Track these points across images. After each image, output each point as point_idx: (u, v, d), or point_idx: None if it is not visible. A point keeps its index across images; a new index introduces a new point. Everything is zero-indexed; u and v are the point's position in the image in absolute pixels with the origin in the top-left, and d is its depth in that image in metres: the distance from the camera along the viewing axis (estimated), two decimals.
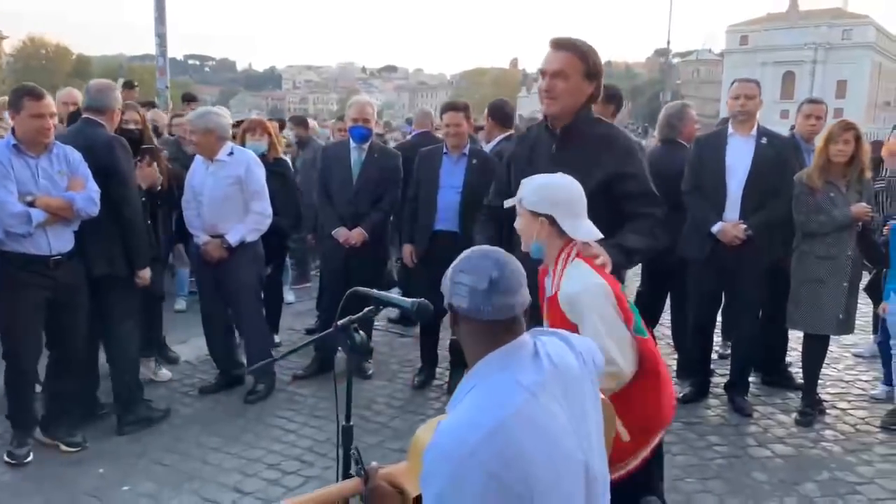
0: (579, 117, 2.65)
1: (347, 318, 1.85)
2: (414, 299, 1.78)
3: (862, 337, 5.32)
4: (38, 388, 3.69)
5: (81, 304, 3.57)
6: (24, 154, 3.35)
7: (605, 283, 2.15)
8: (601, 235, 2.27)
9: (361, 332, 1.87)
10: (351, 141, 4.60)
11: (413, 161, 4.60)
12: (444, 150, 4.39)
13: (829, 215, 3.95)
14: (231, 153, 4.22)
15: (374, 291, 1.85)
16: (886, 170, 4.63)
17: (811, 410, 4.13)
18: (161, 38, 9.06)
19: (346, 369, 1.95)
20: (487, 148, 4.83)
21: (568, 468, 1.43)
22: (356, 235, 4.48)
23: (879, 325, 4.54)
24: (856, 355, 5.08)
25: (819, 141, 4.14)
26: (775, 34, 66.96)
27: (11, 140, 3.34)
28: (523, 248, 2.30)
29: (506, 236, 3.07)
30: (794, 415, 4.15)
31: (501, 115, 4.99)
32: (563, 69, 2.59)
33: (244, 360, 4.54)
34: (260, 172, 4.26)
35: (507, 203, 2.37)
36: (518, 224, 2.31)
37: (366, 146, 4.57)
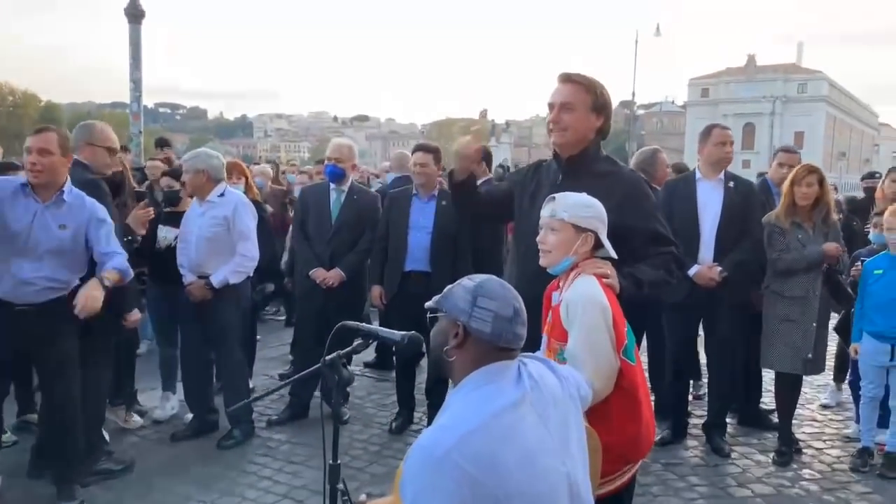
0: (588, 151, 2.65)
1: (336, 352, 1.85)
2: (404, 332, 1.78)
3: (828, 379, 5.38)
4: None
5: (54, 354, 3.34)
6: (31, 196, 3.20)
7: (606, 303, 2.16)
8: (616, 256, 2.31)
9: (349, 367, 1.86)
10: (330, 182, 4.64)
11: None
12: (414, 192, 4.45)
13: (800, 252, 4.06)
14: (222, 194, 4.23)
15: (363, 325, 1.85)
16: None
17: (787, 450, 4.16)
18: (136, 83, 9.07)
19: (333, 405, 1.92)
20: None
21: (546, 478, 1.49)
22: (334, 276, 4.48)
23: (850, 365, 4.63)
24: (823, 406, 5.14)
25: (785, 184, 4.27)
26: (735, 87, 69.48)
27: (22, 179, 3.26)
28: (547, 262, 2.29)
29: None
30: (773, 455, 4.18)
31: (485, 158, 5.09)
32: (571, 101, 2.60)
33: (229, 404, 4.40)
34: (247, 214, 4.26)
35: (542, 213, 2.32)
36: (552, 238, 2.27)
37: (345, 187, 4.60)
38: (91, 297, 3.08)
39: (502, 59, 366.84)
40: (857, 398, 4.48)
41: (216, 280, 4.12)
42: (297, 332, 5.23)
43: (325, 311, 4.54)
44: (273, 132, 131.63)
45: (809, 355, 4.09)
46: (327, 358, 1.83)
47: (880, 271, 4.04)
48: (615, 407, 2.20)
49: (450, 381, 1.69)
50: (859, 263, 4.22)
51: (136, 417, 4.50)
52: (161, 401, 4.74)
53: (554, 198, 2.32)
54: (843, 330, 4.68)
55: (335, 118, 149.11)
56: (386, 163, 10.24)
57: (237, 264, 4.19)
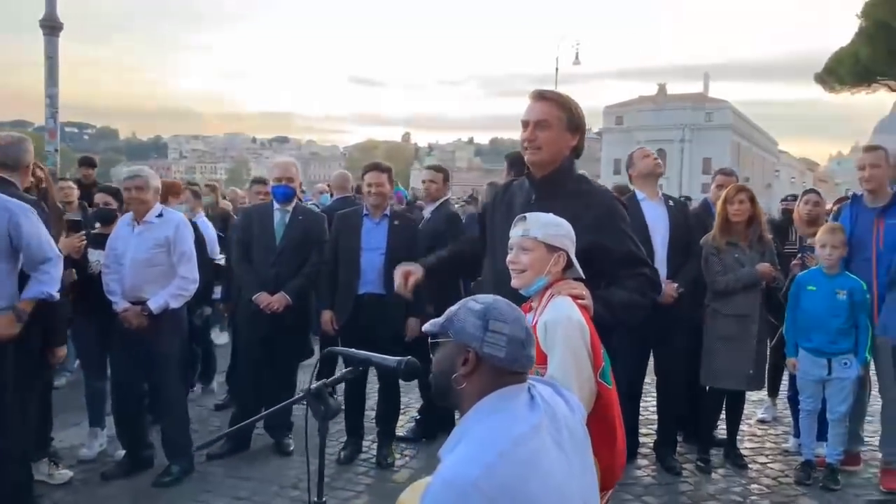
0: (561, 169, 2.60)
1: (322, 381, 1.72)
2: (399, 357, 1.68)
3: (763, 395, 5.56)
4: None
5: None
6: None
7: (584, 322, 2.12)
8: (583, 276, 2.27)
9: (336, 396, 1.74)
10: (274, 202, 4.46)
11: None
12: (364, 212, 4.33)
13: (735, 275, 4.20)
14: (160, 215, 3.99)
15: (353, 350, 1.73)
16: (798, 236, 4.98)
17: (707, 458, 4.33)
18: (52, 98, 8.50)
19: (320, 438, 1.78)
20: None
21: None
22: (278, 301, 4.29)
23: (789, 379, 4.78)
24: (761, 421, 5.30)
25: (718, 204, 4.42)
26: (647, 115, 72.45)
27: None
28: (520, 283, 2.23)
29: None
30: (697, 461, 4.30)
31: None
32: (546, 119, 2.54)
33: (169, 438, 4.11)
34: (189, 235, 4.04)
35: (511, 233, 2.28)
36: (525, 258, 2.22)
37: (290, 207, 4.44)
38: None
39: (425, 81, 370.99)
40: (795, 412, 4.63)
41: (155, 305, 3.87)
42: (237, 359, 4.98)
43: (269, 337, 4.37)
44: (189, 153, 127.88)
45: (751, 371, 4.22)
46: (313, 386, 1.70)
47: (814, 287, 4.19)
48: (592, 433, 2.15)
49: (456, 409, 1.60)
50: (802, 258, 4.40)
51: (64, 471, 3.99)
52: (88, 438, 4.38)
53: (525, 217, 2.28)
54: (781, 346, 4.84)
55: (254, 139, 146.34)
56: (320, 184, 10.08)
57: (178, 287, 3.96)
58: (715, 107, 72.72)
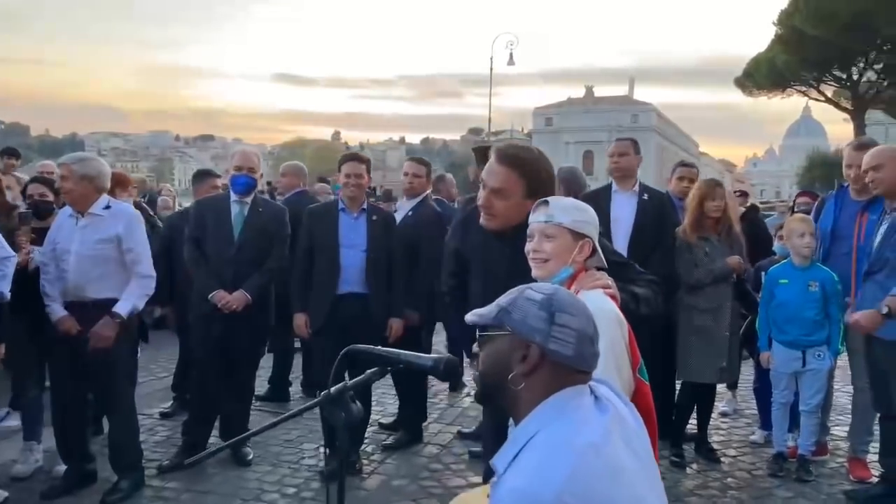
0: (521, 225, 2.28)
1: (342, 383, 1.51)
2: (437, 356, 1.48)
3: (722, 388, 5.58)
4: None
5: None
6: None
7: (621, 316, 1.97)
8: (606, 265, 2.13)
9: (358, 402, 1.52)
10: (231, 194, 4.12)
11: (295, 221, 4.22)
12: (341, 207, 4.06)
13: (707, 268, 4.17)
14: (108, 207, 3.61)
15: (379, 348, 1.52)
16: None
17: (682, 453, 4.28)
18: None
19: (338, 450, 1.56)
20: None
21: None
22: (237, 299, 3.96)
23: (756, 371, 4.80)
24: (723, 414, 5.32)
25: (690, 199, 4.37)
26: (575, 117, 74.06)
27: None
28: (543, 273, 2.07)
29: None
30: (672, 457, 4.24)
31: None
32: (503, 188, 2.36)
33: (118, 451, 3.75)
34: (142, 230, 3.69)
35: (532, 219, 2.12)
36: (549, 246, 2.06)
37: (248, 199, 4.11)
38: None
39: (355, 80, 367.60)
40: (763, 405, 4.65)
41: (124, 310, 3.53)
42: (191, 364, 4.60)
43: (226, 340, 4.04)
44: (108, 151, 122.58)
45: (724, 364, 4.20)
46: (332, 390, 1.49)
47: (786, 281, 4.20)
48: None
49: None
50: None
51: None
52: (22, 453, 3.96)
53: (546, 202, 2.12)
54: (748, 339, 4.86)
55: (177, 137, 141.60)
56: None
57: (141, 287, 3.62)
58: (640, 109, 74.96)
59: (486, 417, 2.70)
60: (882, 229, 3.47)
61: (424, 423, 4.75)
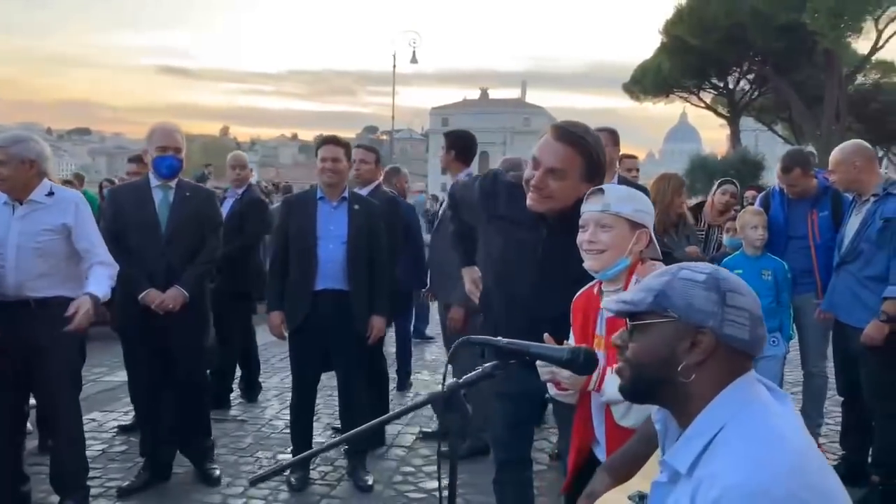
0: (575, 206, 2.18)
1: (454, 380, 1.35)
2: (573, 346, 1.35)
3: None
4: None
5: None
6: None
7: None
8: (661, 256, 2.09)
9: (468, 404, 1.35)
10: (152, 178, 3.64)
11: (247, 216, 3.94)
12: (320, 195, 3.76)
13: (670, 258, 4.27)
14: (51, 193, 3.20)
15: (500, 339, 1.37)
16: (707, 223, 5.16)
17: None
18: None
19: (450, 455, 1.40)
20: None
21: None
22: (173, 297, 3.53)
23: None
24: None
25: (659, 193, 4.45)
26: (471, 118, 75.00)
27: None
28: (599, 264, 1.99)
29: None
30: None
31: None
32: (562, 167, 2.20)
33: (63, 469, 3.34)
34: (92, 217, 3.30)
35: (586, 208, 2.02)
36: (605, 236, 1.98)
37: (173, 183, 3.65)
38: None
39: (244, 73, 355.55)
40: None
41: (101, 291, 3.13)
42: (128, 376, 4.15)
43: (164, 343, 3.62)
44: None
45: None
46: (445, 387, 1.32)
47: (741, 270, 4.33)
48: None
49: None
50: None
51: None
52: None
53: (602, 190, 2.04)
54: None
55: (49, 130, 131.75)
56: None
57: (110, 271, 3.25)
58: (532, 112, 77.05)
59: (498, 415, 2.58)
60: (854, 221, 3.63)
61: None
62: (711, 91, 36.25)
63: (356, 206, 3.74)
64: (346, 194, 3.78)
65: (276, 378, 5.95)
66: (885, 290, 3.35)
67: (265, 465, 4.08)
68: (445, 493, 1.40)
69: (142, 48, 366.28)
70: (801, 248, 4.18)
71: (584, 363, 1.35)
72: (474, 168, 4.65)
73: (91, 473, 3.59)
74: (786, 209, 4.31)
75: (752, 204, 5.25)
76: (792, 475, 1.08)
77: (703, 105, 37.29)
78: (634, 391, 1.31)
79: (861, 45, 28.20)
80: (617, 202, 1.99)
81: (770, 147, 43.69)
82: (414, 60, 29.72)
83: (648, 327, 1.25)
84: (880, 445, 3.48)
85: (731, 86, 35.12)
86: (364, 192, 4.33)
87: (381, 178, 4.73)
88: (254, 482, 3.42)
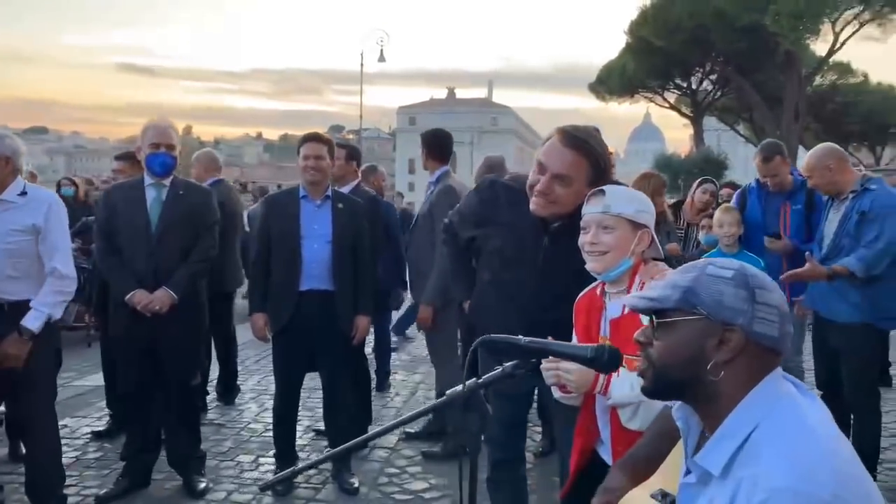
0: (577, 214, 2.15)
1: (473, 379, 1.31)
2: (595, 345, 1.32)
3: None
4: None
5: None
6: None
7: None
8: (662, 255, 2.08)
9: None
10: (146, 177, 3.54)
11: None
12: (303, 194, 3.68)
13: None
14: (23, 193, 3.08)
15: (521, 338, 1.33)
16: (686, 222, 5.21)
17: None
18: None
19: (470, 453, 1.36)
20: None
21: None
22: (160, 299, 3.42)
23: None
24: None
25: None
26: (438, 117, 74.99)
27: None
28: (601, 266, 1.97)
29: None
30: None
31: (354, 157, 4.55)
32: (569, 174, 2.20)
33: (39, 477, 3.21)
34: (64, 219, 3.18)
35: (587, 210, 2.01)
36: (607, 238, 1.96)
37: (167, 181, 3.54)
38: None
39: (207, 71, 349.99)
40: None
41: (35, 324, 3.01)
42: (117, 378, 4.02)
43: (153, 348, 3.52)
44: None
45: None
46: (465, 387, 1.29)
47: None
48: None
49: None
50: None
51: None
52: None
53: (603, 191, 2.02)
54: None
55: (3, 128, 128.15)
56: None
57: (56, 289, 3.11)
58: (499, 112, 77.37)
59: (496, 415, 2.55)
60: (834, 217, 3.68)
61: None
62: (675, 91, 36.76)
63: (340, 205, 3.68)
64: (329, 193, 3.71)
65: (253, 380, 5.85)
66: (844, 260, 3.41)
67: (247, 470, 4.00)
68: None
69: (102, 46, 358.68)
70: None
71: (608, 361, 1.33)
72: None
73: (66, 482, 3.49)
74: (763, 205, 4.37)
75: (727, 201, 5.33)
76: (837, 477, 1.07)
77: (667, 105, 37.80)
78: (658, 390, 1.29)
79: (819, 46, 28.89)
80: (618, 203, 1.98)
81: (732, 146, 44.57)
82: (382, 59, 29.60)
83: (675, 325, 1.23)
84: (861, 440, 3.54)
85: (694, 86, 35.66)
86: (345, 190, 4.27)
87: (358, 179, 4.67)
88: (264, 488, 3.39)
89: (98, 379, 5.62)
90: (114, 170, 4.52)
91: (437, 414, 4.38)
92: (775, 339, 1.20)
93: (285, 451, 3.80)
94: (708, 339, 1.20)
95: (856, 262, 3.39)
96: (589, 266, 2.01)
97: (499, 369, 1.34)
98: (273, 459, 3.99)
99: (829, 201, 3.78)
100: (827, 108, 31.00)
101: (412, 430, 4.54)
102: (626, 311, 1.93)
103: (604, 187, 2.04)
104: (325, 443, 4.36)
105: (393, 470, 4.05)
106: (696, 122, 36.76)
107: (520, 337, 1.35)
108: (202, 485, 3.65)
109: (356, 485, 3.71)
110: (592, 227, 1.99)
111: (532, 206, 2.26)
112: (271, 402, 5.14)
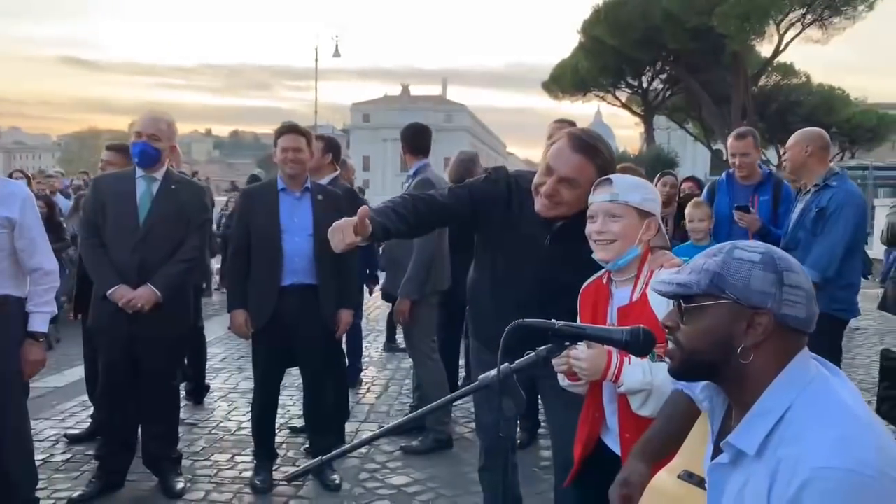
0: (580, 217, 2.16)
1: (506, 364, 1.31)
2: (629, 327, 1.33)
3: None
4: None
5: None
6: None
7: None
8: (669, 244, 2.08)
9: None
10: (137, 169, 3.46)
11: None
12: (281, 186, 3.61)
13: None
14: None
15: (555, 322, 1.34)
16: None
17: None
18: None
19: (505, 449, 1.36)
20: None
21: None
22: (143, 296, 3.33)
23: None
24: None
25: None
26: (392, 114, 74.83)
27: None
28: (609, 255, 1.98)
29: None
30: None
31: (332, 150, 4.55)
32: (576, 178, 2.21)
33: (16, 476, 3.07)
34: (37, 213, 3.06)
35: (594, 198, 2.01)
36: (615, 226, 1.97)
37: (158, 174, 3.47)
38: None
39: (154, 65, 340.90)
40: None
41: (44, 326, 3.04)
42: (87, 380, 3.90)
43: (134, 347, 3.42)
44: None
45: None
46: (499, 373, 1.28)
47: (686, 258, 4.50)
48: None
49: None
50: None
51: None
52: None
53: (610, 180, 2.04)
54: None
55: None
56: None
57: (48, 284, 3.04)
58: (453, 109, 77.55)
59: (486, 403, 2.56)
60: (797, 207, 3.80)
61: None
62: (627, 90, 37.40)
63: (319, 197, 3.62)
64: (308, 185, 3.65)
65: (220, 379, 5.74)
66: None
67: (223, 469, 3.92)
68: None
69: (42, 38, 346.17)
70: (741, 236, 4.37)
71: (644, 343, 1.34)
72: (396, 165, 4.71)
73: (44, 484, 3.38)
74: (731, 196, 4.49)
75: (690, 196, 5.46)
76: (880, 454, 1.09)
77: (618, 104, 38.43)
78: (686, 373, 1.30)
79: (765, 48, 29.78)
80: (625, 191, 1.99)
81: (681, 144, 45.55)
82: (337, 55, 29.33)
83: (704, 310, 1.24)
84: None
85: (645, 85, 36.35)
86: (324, 182, 4.22)
87: (337, 172, 4.62)
88: (291, 479, 3.32)
89: (59, 380, 5.46)
90: (103, 160, 4.34)
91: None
92: (803, 321, 1.22)
93: (266, 448, 3.74)
94: (737, 323, 1.21)
95: (811, 272, 3.51)
96: (597, 255, 2.01)
97: (532, 354, 1.34)
98: (250, 458, 3.93)
99: (798, 194, 3.91)
100: (772, 108, 31.94)
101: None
102: (635, 298, 1.95)
103: (611, 176, 2.06)
104: (302, 439, 4.31)
105: (373, 465, 4.02)
106: (647, 120, 37.49)
107: (553, 321, 1.35)
108: (180, 485, 3.56)
109: (338, 481, 3.68)
110: (600, 216, 2.00)
111: (537, 207, 2.27)
112: (241, 400, 5.10)
